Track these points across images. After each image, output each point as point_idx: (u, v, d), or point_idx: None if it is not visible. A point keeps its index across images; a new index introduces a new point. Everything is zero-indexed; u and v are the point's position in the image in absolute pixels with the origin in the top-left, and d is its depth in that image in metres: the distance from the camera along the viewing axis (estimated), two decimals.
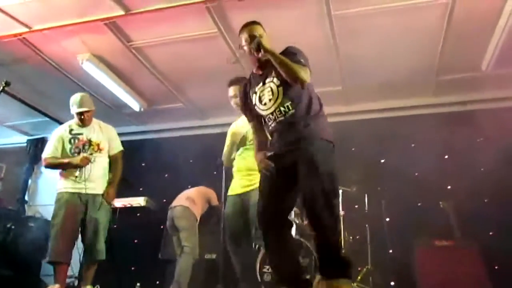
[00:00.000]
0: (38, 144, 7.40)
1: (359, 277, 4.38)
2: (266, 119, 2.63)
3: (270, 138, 2.67)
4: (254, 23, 2.68)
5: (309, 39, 4.63)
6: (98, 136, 3.99)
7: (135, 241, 5.98)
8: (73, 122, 4.03)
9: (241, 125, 3.53)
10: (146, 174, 6.27)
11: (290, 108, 2.50)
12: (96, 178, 3.88)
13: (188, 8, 4.04)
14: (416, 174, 5.19)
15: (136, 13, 4.16)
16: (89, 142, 3.93)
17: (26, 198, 7.12)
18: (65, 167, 3.87)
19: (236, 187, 3.50)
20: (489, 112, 5.29)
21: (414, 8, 4.08)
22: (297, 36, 4.52)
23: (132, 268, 5.87)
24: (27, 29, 4.46)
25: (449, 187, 5.11)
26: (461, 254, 4.24)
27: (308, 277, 2.91)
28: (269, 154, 2.58)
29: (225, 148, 3.66)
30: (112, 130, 4.16)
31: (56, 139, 3.94)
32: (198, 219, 4.44)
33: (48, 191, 7.06)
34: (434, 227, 4.61)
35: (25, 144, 7.48)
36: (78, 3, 4.10)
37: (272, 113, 2.55)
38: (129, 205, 5.57)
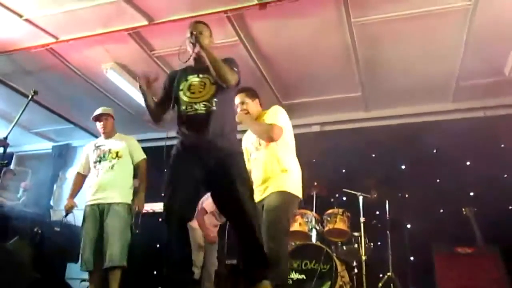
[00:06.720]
0: (63, 150, 7.59)
1: (380, 284, 4.36)
2: (184, 107, 2.69)
3: (180, 126, 2.73)
4: (200, 22, 2.91)
5: (328, 46, 4.67)
6: (118, 145, 4.18)
7: (157, 245, 6.06)
8: (99, 138, 4.34)
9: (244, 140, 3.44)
10: None
11: (214, 105, 2.62)
12: (113, 187, 4.02)
13: (209, 17, 4.11)
14: (438, 180, 5.15)
15: (159, 23, 4.27)
16: (109, 150, 4.14)
17: (51, 203, 7.28)
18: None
19: None
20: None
21: (434, 14, 4.06)
22: (317, 43, 4.59)
23: (154, 273, 5.95)
24: (54, 40, 4.62)
25: (471, 193, 5.03)
26: (483, 261, 4.16)
27: None
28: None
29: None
30: (133, 140, 4.34)
31: (82, 154, 4.34)
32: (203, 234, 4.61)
33: None
34: (456, 234, 4.54)
35: (50, 150, 7.67)
36: (102, 14, 4.22)
37: (195, 103, 2.65)
38: (151, 211, 5.66)
